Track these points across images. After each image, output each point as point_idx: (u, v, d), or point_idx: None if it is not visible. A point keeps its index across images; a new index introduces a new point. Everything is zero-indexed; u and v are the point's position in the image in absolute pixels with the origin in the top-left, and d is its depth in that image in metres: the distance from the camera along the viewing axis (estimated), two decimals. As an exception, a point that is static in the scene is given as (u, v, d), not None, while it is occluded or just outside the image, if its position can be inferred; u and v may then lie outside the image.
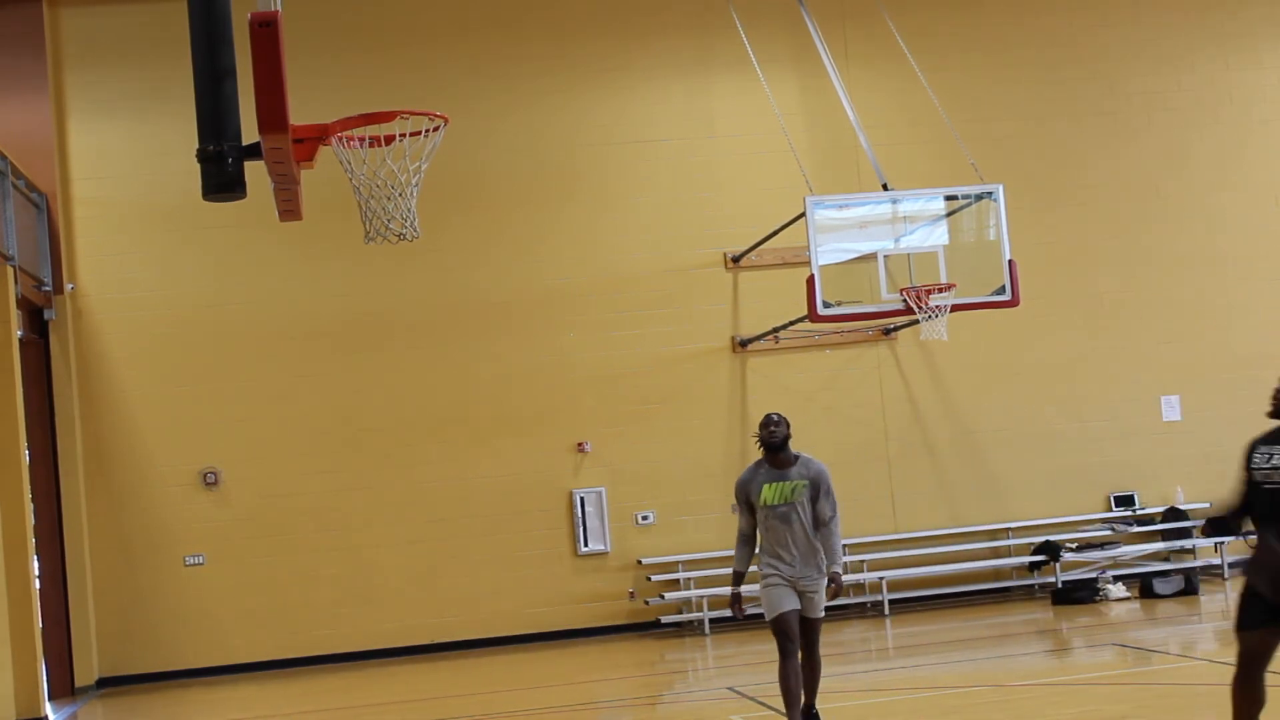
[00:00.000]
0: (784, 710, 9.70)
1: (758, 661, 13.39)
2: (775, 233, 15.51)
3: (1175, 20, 17.64)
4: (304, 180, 7.15)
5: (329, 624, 15.78)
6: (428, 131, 6.99)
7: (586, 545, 16.13)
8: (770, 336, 16.25)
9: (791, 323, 15.43)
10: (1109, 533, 16.90)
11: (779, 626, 8.36)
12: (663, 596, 15.82)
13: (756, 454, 9.40)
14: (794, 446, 8.71)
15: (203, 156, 6.58)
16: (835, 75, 14.97)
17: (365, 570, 15.87)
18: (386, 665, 15.34)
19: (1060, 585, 16.20)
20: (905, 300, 13.85)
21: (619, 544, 16.20)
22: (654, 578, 16.07)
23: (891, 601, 16.10)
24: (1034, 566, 16.54)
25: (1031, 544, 16.65)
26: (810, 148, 16.20)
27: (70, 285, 15.60)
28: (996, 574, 16.85)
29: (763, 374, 16.54)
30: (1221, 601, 15.31)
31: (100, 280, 15.75)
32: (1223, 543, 16.59)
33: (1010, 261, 13.86)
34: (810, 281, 13.53)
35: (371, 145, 6.97)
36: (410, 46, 16.32)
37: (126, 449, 15.65)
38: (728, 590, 15.70)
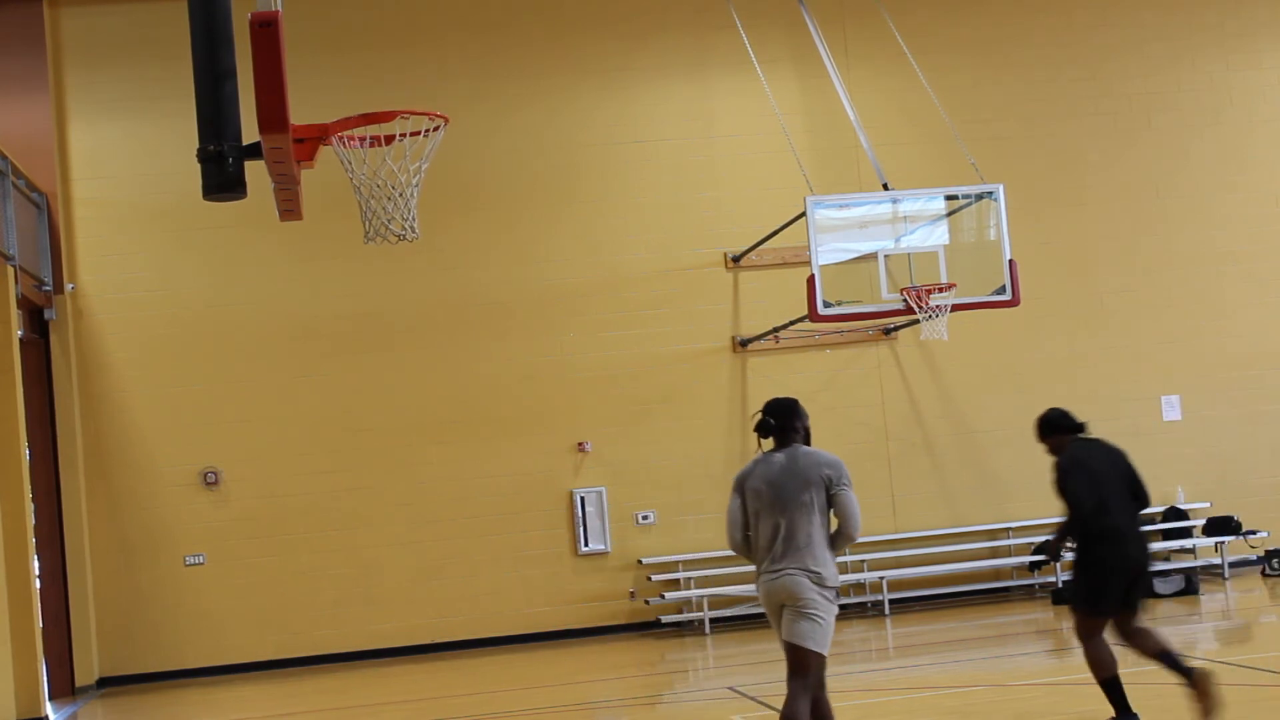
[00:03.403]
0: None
1: (758, 661, 13.39)
2: (775, 233, 15.51)
3: (1176, 20, 17.64)
4: (304, 180, 7.15)
5: (329, 624, 15.78)
6: (428, 131, 6.99)
7: (586, 545, 16.13)
8: (770, 336, 16.25)
9: (791, 323, 15.43)
10: (1109, 533, 16.86)
11: None
12: (663, 596, 15.82)
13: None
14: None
15: (203, 156, 6.58)
16: (835, 75, 14.97)
17: (365, 570, 15.87)
18: (386, 665, 15.35)
19: (1060, 585, 16.20)
20: (905, 300, 13.84)
21: (619, 544, 16.20)
22: (654, 578, 16.07)
23: (891, 601, 16.10)
24: (1034, 566, 16.54)
25: (1031, 544, 16.65)
26: (810, 148, 16.20)
27: (70, 285, 15.60)
28: (996, 574, 16.85)
29: (763, 374, 16.53)
30: (1221, 601, 15.32)
31: (100, 280, 15.75)
32: (1223, 542, 16.60)
33: (1010, 261, 13.87)
34: (810, 281, 13.53)
35: (371, 145, 6.97)
36: (410, 46, 16.32)
37: (126, 449, 15.65)
38: (726, 590, 15.73)
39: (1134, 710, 8.24)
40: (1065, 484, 8.29)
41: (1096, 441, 8.52)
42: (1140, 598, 8.38)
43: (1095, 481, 8.25)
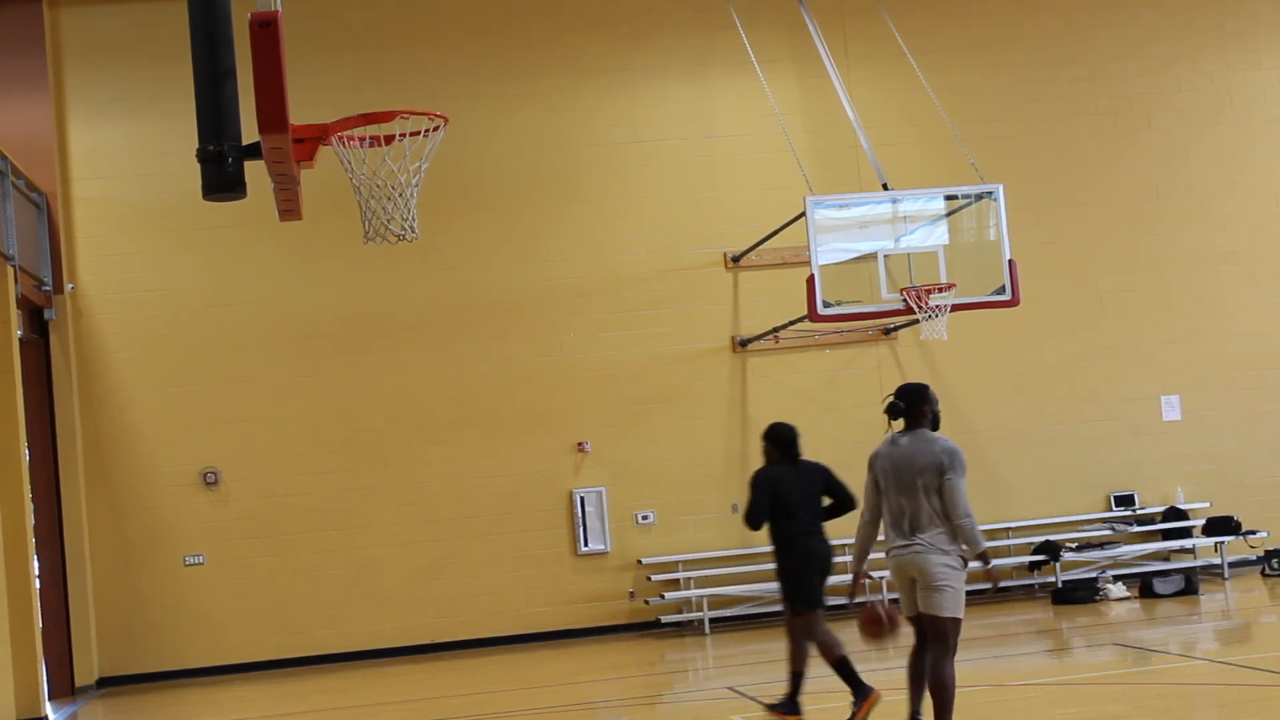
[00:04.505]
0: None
1: (758, 661, 13.39)
2: (775, 233, 15.51)
3: (1176, 20, 17.64)
4: (304, 180, 7.15)
5: (329, 624, 15.78)
6: (428, 131, 6.99)
7: (586, 545, 16.13)
8: (770, 336, 16.25)
9: (791, 323, 15.43)
10: (1109, 533, 16.90)
11: None
12: (663, 596, 15.82)
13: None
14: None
15: (203, 156, 6.58)
16: (835, 75, 14.97)
17: (365, 570, 15.87)
18: (386, 665, 15.35)
19: (1060, 585, 16.20)
20: (905, 300, 13.84)
21: (619, 544, 16.20)
22: (654, 578, 16.07)
23: (891, 601, 16.03)
24: (1034, 566, 16.54)
25: (1031, 544, 16.65)
26: (810, 148, 16.20)
27: (70, 285, 15.60)
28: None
29: (763, 374, 16.54)
30: (1221, 601, 15.32)
31: (100, 280, 15.75)
32: (1223, 542, 16.60)
33: (1010, 261, 13.86)
34: (810, 281, 13.53)
35: (371, 145, 6.97)
36: (410, 46, 16.32)
37: (126, 449, 15.65)
38: (726, 590, 15.71)
39: (867, 684, 9.28)
40: (751, 492, 9.63)
41: (801, 463, 9.71)
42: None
43: (781, 497, 9.51)
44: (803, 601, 9.52)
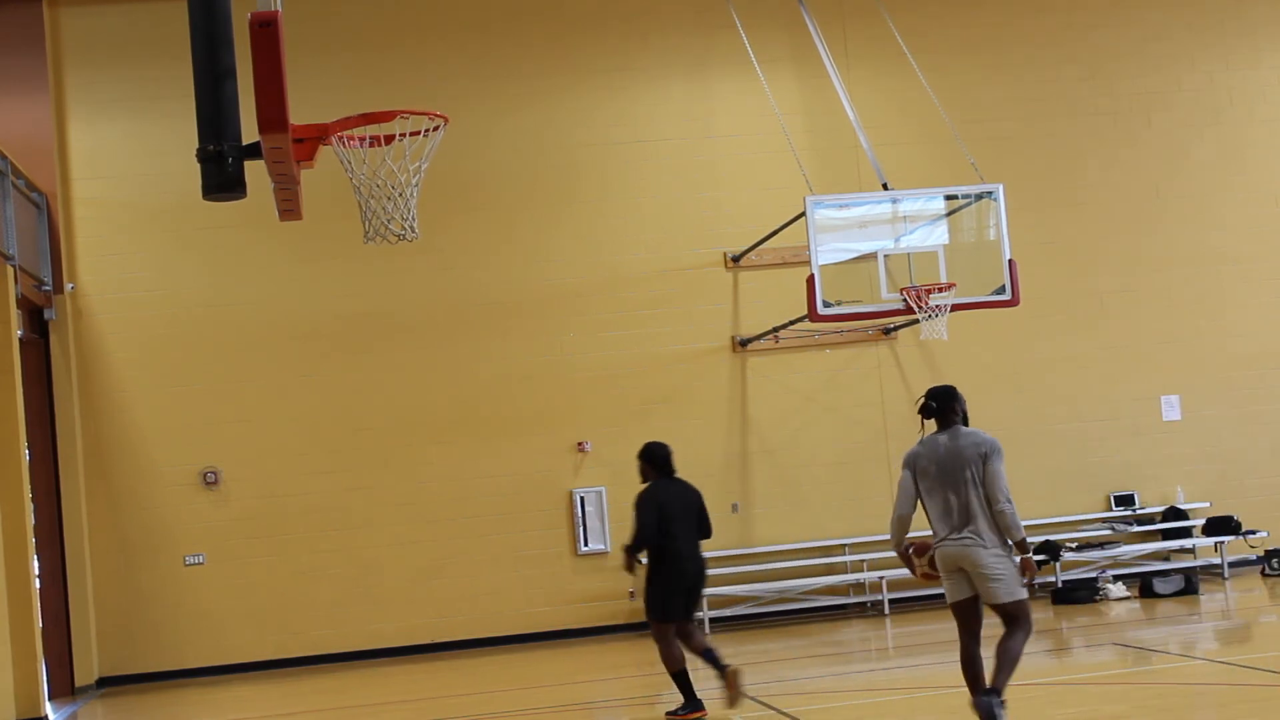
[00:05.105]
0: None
1: (758, 661, 13.39)
2: (775, 233, 15.51)
3: (1175, 20, 17.65)
4: (304, 180, 7.15)
5: (329, 624, 15.78)
6: (427, 131, 6.99)
7: (586, 545, 16.13)
8: (770, 336, 16.25)
9: (791, 323, 15.44)
10: (1109, 532, 16.90)
11: None
12: (663, 596, 15.79)
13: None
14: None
15: (203, 156, 6.58)
16: (835, 75, 14.97)
17: (365, 570, 15.88)
18: (386, 665, 15.35)
19: (1060, 585, 16.20)
20: (905, 300, 13.84)
21: (619, 544, 16.18)
22: (654, 578, 16.05)
23: (891, 601, 16.10)
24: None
25: (1031, 544, 16.62)
26: (810, 148, 16.20)
27: (70, 285, 15.60)
28: (996, 574, 16.82)
29: (763, 374, 16.53)
30: (1221, 601, 15.32)
31: (100, 280, 15.75)
32: (1223, 542, 16.60)
33: (1010, 261, 13.87)
34: (810, 281, 13.53)
35: (371, 145, 6.97)
36: (410, 46, 16.32)
37: (126, 449, 15.65)
38: (726, 590, 15.69)
39: (699, 698, 10.08)
40: (638, 512, 10.12)
41: (677, 480, 10.30)
42: (695, 606, 10.37)
43: (663, 514, 10.06)
44: (656, 613, 10.17)
